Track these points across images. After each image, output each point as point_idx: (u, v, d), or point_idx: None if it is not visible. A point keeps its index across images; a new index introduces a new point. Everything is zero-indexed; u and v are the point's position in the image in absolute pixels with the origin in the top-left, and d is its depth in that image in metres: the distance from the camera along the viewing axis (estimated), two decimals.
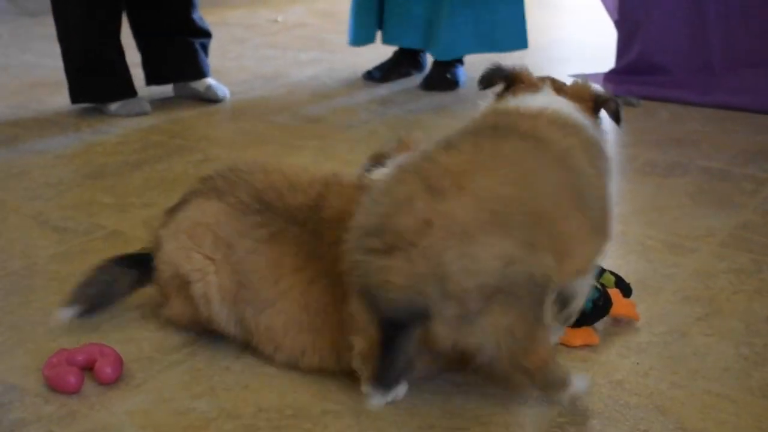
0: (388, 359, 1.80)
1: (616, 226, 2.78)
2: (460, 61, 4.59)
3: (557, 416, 1.97)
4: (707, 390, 2.07)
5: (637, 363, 2.17)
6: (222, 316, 2.13)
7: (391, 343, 1.77)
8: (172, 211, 2.27)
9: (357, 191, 2.04)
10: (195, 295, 2.13)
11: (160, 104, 4.14)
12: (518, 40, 4.50)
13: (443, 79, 4.50)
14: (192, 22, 4.10)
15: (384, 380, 1.85)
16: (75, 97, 3.97)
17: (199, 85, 4.15)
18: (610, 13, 4.59)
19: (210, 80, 4.17)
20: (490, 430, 1.92)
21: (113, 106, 3.96)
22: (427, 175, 1.81)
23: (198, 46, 4.13)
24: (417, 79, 4.62)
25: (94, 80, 3.94)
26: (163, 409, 1.99)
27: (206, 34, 4.17)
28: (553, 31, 5.56)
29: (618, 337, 2.28)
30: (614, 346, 2.24)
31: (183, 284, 2.15)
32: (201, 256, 2.14)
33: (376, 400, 1.89)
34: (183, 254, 2.16)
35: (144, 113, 3.97)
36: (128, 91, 4.00)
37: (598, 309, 2.27)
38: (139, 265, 2.31)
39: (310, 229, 2.08)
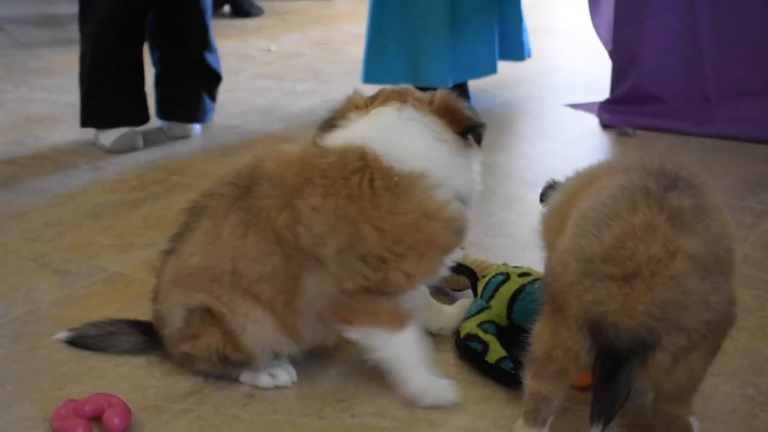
0: (613, 390, 1.79)
1: None
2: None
3: None
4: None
5: (644, 405, 2.18)
6: None
7: (616, 374, 1.78)
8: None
9: (294, 154, 2.19)
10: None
11: (154, 139, 4.14)
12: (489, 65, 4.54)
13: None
14: (205, 65, 4.16)
15: (607, 413, 1.82)
16: (85, 121, 4.02)
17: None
18: (604, 44, 4.62)
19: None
20: None
21: (108, 141, 3.97)
22: (666, 206, 1.82)
23: (204, 91, 4.19)
24: None
25: (106, 104, 3.98)
26: None
27: (217, 79, 4.23)
28: (547, 59, 5.58)
29: None
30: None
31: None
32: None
33: None
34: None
35: (136, 149, 3.98)
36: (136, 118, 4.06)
37: None
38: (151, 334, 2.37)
39: (244, 187, 2.19)
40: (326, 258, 2.08)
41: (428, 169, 2.11)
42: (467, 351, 2.33)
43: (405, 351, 2.16)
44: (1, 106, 4.67)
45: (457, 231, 2.16)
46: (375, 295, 2.12)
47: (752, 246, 3.05)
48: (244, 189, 2.18)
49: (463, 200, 2.19)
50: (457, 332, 2.43)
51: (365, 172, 2.08)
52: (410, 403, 2.16)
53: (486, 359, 2.28)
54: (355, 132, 2.16)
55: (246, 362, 2.20)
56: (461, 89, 4.64)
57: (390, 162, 2.10)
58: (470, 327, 2.38)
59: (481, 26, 4.43)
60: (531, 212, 3.27)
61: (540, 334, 1.93)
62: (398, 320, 2.15)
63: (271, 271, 2.12)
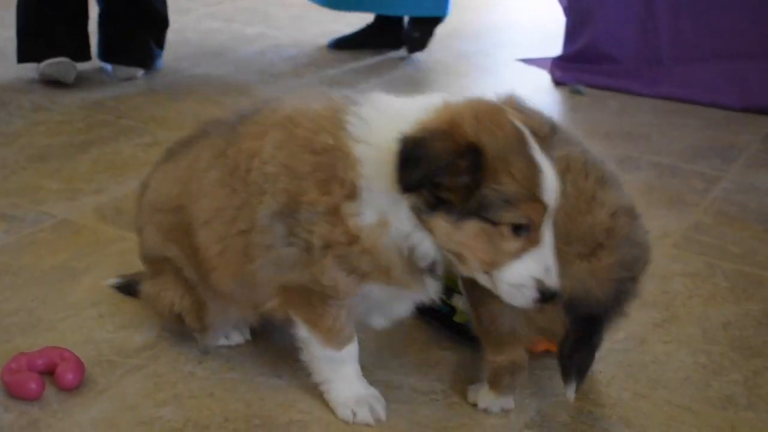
0: (591, 350, 1.88)
1: None
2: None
3: (524, 427, 1.99)
4: (668, 401, 2.10)
5: (600, 371, 2.19)
6: None
7: (592, 335, 1.86)
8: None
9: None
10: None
11: (99, 79, 4.05)
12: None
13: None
14: (150, 7, 4.06)
15: (583, 372, 1.90)
16: (21, 56, 3.93)
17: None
18: (559, 1, 4.60)
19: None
20: None
21: (42, 63, 3.88)
22: (587, 170, 1.87)
23: (150, 36, 4.11)
24: (366, 60, 4.59)
25: (43, 38, 3.88)
26: (127, 417, 1.95)
27: (163, 23, 4.14)
28: (501, 14, 5.55)
29: None
30: None
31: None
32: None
33: (572, 393, 1.91)
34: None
35: (66, 81, 3.88)
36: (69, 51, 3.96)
37: None
38: None
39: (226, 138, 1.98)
40: (263, 218, 1.85)
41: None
42: (432, 312, 2.32)
43: (334, 366, 1.99)
44: None
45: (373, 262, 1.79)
46: (314, 293, 1.87)
47: (704, 212, 3.07)
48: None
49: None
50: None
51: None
52: (371, 363, 2.15)
53: (454, 319, 2.29)
54: None
55: (202, 331, 2.16)
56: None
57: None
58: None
59: None
60: None
61: (501, 314, 1.92)
62: (335, 338, 1.94)
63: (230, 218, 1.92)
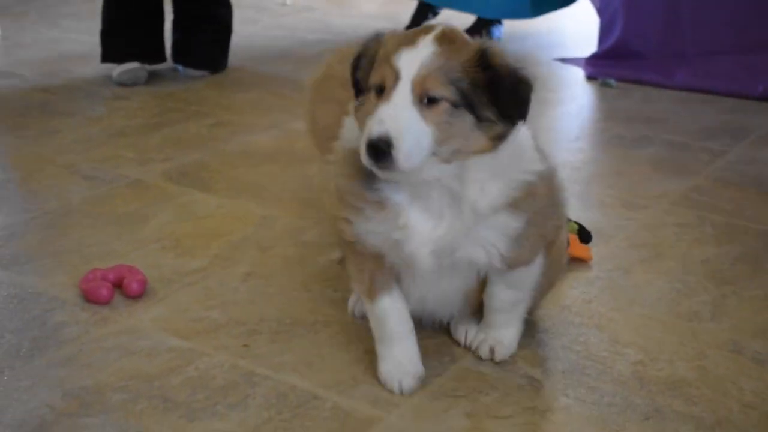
0: None
1: (578, 186, 3.19)
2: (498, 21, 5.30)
3: None
4: (641, 314, 2.45)
5: (584, 293, 2.55)
6: None
7: None
8: None
9: None
10: None
11: (172, 76, 4.53)
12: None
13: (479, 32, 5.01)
14: (217, 17, 4.52)
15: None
16: (103, 57, 4.40)
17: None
18: (593, 2, 4.96)
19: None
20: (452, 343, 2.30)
21: (115, 73, 4.36)
22: None
23: (215, 42, 4.57)
24: None
25: (122, 41, 4.36)
26: (181, 317, 2.37)
27: (227, 31, 4.59)
28: (545, 20, 5.91)
29: (569, 273, 2.64)
30: (565, 280, 2.60)
31: None
32: None
33: None
34: None
35: (138, 83, 4.36)
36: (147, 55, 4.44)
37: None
38: None
39: None
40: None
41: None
42: None
43: (376, 323, 2.11)
44: (36, 44, 5.06)
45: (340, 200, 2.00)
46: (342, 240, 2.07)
47: (705, 178, 3.39)
48: None
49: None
50: None
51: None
52: None
53: None
54: None
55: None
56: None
57: None
58: None
59: None
60: None
61: None
62: (362, 287, 2.09)
63: None
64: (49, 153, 3.49)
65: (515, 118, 1.85)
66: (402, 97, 1.78)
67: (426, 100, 1.79)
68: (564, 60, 4.95)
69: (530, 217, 1.97)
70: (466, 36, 1.90)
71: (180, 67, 4.59)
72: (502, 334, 2.22)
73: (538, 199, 1.98)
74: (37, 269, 2.61)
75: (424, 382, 2.12)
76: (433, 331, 2.31)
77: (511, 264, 2.03)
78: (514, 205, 1.94)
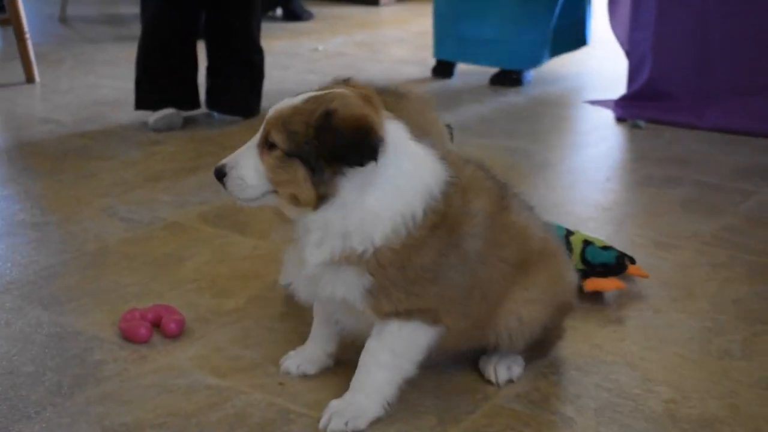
0: None
1: (609, 227, 3.22)
2: None
3: (543, 367, 2.38)
4: (672, 353, 2.47)
5: (614, 331, 2.57)
6: None
7: None
8: None
9: None
10: None
11: (207, 121, 4.61)
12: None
13: (509, 77, 5.34)
14: (250, 64, 4.61)
15: None
16: (138, 104, 4.48)
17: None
18: (621, 44, 5.00)
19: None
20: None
21: (151, 119, 4.44)
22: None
23: (248, 89, 4.65)
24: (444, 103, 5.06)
25: (156, 89, 4.45)
26: (218, 355, 2.42)
27: (260, 77, 4.67)
28: (575, 63, 5.97)
29: (599, 312, 2.68)
30: (595, 319, 2.64)
31: None
32: None
33: None
34: None
35: (173, 128, 4.44)
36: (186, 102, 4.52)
37: (619, 265, 2.79)
38: None
39: None
40: None
41: None
42: None
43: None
44: (72, 90, 5.16)
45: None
46: None
47: (737, 217, 3.41)
48: None
49: None
50: None
51: None
52: None
53: None
54: None
55: None
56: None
57: None
58: None
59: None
60: (541, 186, 3.68)
61: None
62: None
63: None
64: (86, 196, 3.56)
65: (338, 167, 1.95)
66: (255, 138, 2.03)
67: (267, 144, 2.00)
68: (594, 102, 4.99)
69: (379, 280, 2.03)
70: (366, 99, 2.02)
71: (214, 113, 4.67)
72: (350, 397, 2.14)
73: (389, 267, 2.01)
74: (76, 309, 2.66)
75: (456, 420, 2.15)
76: (465, 369, 2.34)
77: (378, 311, 2.07)
78: (356, 263, 2.01)
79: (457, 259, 2.08)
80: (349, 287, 2.05)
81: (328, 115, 1.94)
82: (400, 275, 2.03)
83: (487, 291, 2.16)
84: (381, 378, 2.12)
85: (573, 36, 5.56)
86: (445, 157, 2.12)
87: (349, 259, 2.01)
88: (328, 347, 2.34)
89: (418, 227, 2.01)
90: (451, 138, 2.92)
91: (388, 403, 2.13)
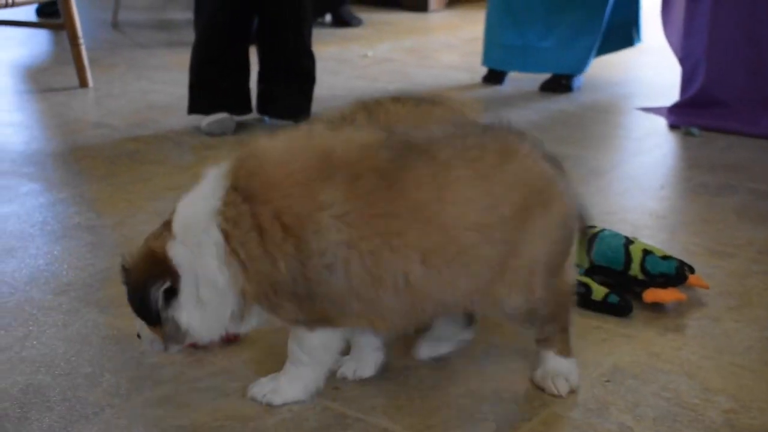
0: None
1: (664, 235, 3.19)
2: None
3: (601, 376, 2.36)
4: (731, 362, 2.44)
5: (673, 340, 2.55)
6: None
7: None
8: None
9: None
10: None
11: (260, 125, 4.63)
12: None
13: (559, 84, 5.32)
14: (301, 69, 4.63)
15: None
16: (191, 108, 4.52)
17: None
18: (674, 51, 4.96)
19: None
20: None
21: (203, 123, 4.47)
22: None
23: (299, 93, 4.67)
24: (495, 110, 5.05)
25: (209, 93, 4.49)
26: (273, 359, 2.41)
27: (311, 81, 4.68)
28: (626, 70, 5.94)
29: (658, 321, 2.66)
30: (654, 328, 2.62)
31: None
32: None
33: None
34: None
35: (226, 133, 4.46)
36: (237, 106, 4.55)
37: (679, 275, 2.75)
38: None
39: None
40: None
41: None
42: None
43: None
44: (125, 95, 5.21)
45: None
46: None
47: None
48: None
49: None
50: None
51: None
52: None
53: (592, 298, 2.68)
54: None
55: None
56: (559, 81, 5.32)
57: None
58: None
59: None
60: (595, 193, 3.66)
61: None
62: None
63: None
64: (139, 200, 3.59)
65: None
66: None
67: None
68: (646, 109, 4.95)
69: (266, 306, 2.14)
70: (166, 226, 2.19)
71: (266, 118, 4.69)
72: (277, 376, 2.26)
73: (262, 299, 2.12)
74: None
75: (514, 427, 2.15)
76: (523, 375, 2.33)
77: (288, 322, 2.17)
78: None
79: (320, 263, 2.02)
80: (262, 315, 2.16)
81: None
82: (275, 297, 2.08)
83: (397, 275, 2.04)
84: (303, 371, 2.23)
85: (621, 36, 5.51)
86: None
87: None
88: (374, 343, 2.33)
89: (233, 283, 2.07)
90: None
91: (316, 388, 2.24)
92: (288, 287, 2.05)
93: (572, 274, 2.27)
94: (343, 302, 2.07)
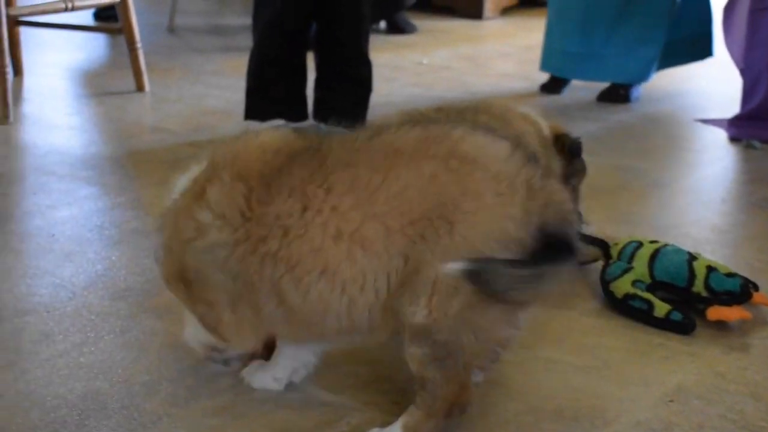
0: None
1: (726, 250, 3.13)
2: None
3: (664, 395, 2.31)
4: None
5: (738, 359, 2.49)
6: None
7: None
8: None
9: None
10: None
11: (314, 131, 4.61)
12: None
13: (617, 93, 5.25)
14: (358, 76, 4.61)
15: None
16: (247, 114, 4.52)
17: None
18: (736, 63, 4.88)
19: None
20: (605, 405, 2.27)
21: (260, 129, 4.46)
22: None
23: (356, 101, 4.65)
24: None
25: (267, 100, 4.48)
26: (331, 372, 2.39)
27: (367, 89, 4.67)
28: (685, 80, 5.86)
29: (722, 339, 2.60)
30: (719, 346, 2.56)
31: None
32: None
33: None
34: None
35: None
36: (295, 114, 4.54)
37: (744, 293, 2.69)
38: None
39: None
40: None
41: None
42: (631, 310, 2.69)
43: None
44: (181, 100, 5.23)
45: None
46: None
47: None
48: None
49: None
50: (609, 293, 2.76)
51: None
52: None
53: (655, 315, 2.65)
54: None
55: None
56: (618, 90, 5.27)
57: None
58: (625, 287, 2.73)
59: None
60: (655, 206, 3.60)
61: None
62: None
63: None
64: None
65: None
66: None
67: None
68: (706, 121, 4.88)
69: None
70: None
71: (322, 125, 4.68)
72: (263, 365, 2.35)
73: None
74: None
75: None
76: (585, 394, 2.29)
77: None
78: None
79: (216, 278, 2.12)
80: None
81: None
82: None
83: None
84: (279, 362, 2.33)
85: (692, 49, 5.44)
86: None
87: None
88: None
89: None
90: (579, 152, 2.88)
91: (292, 382, 2.32)
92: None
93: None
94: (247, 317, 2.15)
